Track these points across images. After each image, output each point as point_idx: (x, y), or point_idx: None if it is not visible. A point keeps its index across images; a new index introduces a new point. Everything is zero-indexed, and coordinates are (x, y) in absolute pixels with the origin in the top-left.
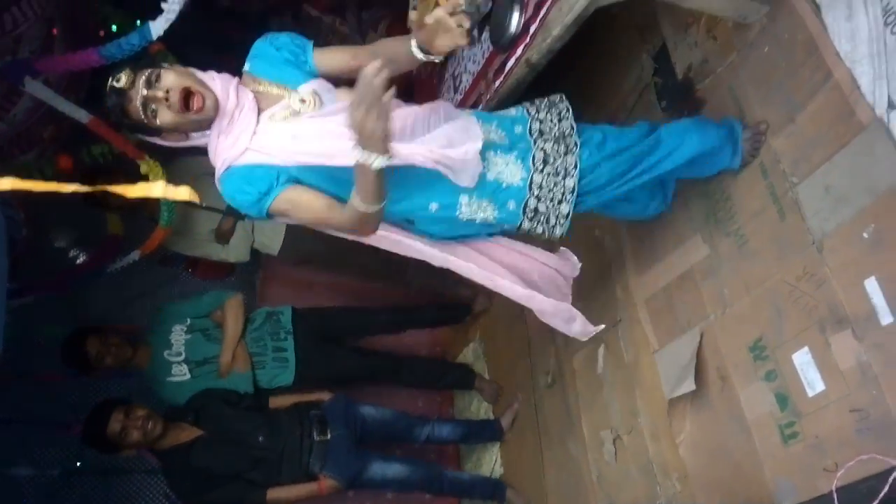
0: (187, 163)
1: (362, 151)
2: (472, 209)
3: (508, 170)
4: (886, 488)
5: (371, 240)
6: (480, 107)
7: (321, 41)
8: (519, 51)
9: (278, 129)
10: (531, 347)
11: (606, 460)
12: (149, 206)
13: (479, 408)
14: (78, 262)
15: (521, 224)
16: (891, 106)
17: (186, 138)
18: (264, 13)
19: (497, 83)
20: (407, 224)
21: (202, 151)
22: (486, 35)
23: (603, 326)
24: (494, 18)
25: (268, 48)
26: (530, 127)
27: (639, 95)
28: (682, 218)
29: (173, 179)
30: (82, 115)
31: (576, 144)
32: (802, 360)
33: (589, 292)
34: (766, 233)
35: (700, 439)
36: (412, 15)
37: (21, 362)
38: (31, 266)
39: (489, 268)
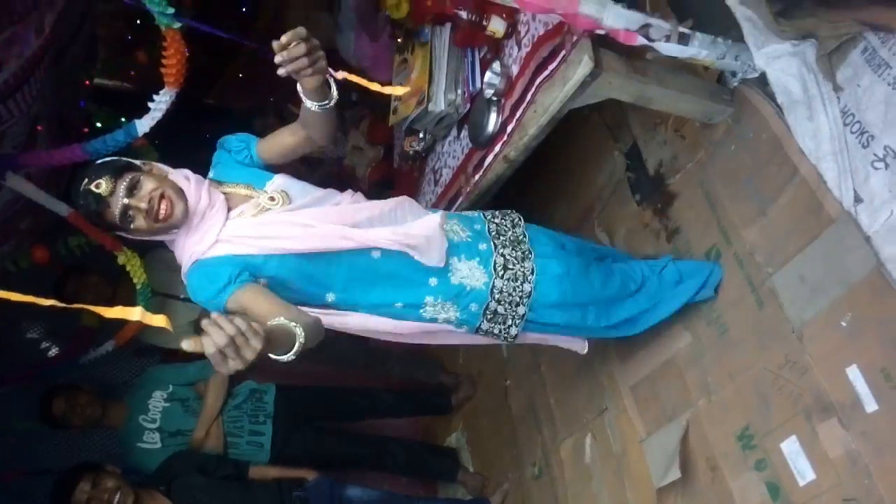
0: (163, 255)
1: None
2: (436, 310)
3: (472, 274)
4: None
5: (338, 325)
6: (460, 199)
7: None
8: (497, 148)
9: (247, 222)
10: (517, 436)
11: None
12: (123, 295)
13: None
14: (50, 354)
15: (479, 325)
16: (857, 200)
17: (153, 236)
18: (249, 112)
19: (476, 177)
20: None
21: None
22: (464, 133)
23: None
24: (472, 118)
25: (224, 155)
26: (488, 227)
27: (613, 189)
28: None
29: (149, 270)
30: (63, 209)
31: (530, 251)
32: (791, 448)
33: (574, 380)
34: (746, 321)
35: None
36: (392, 118)
37: None
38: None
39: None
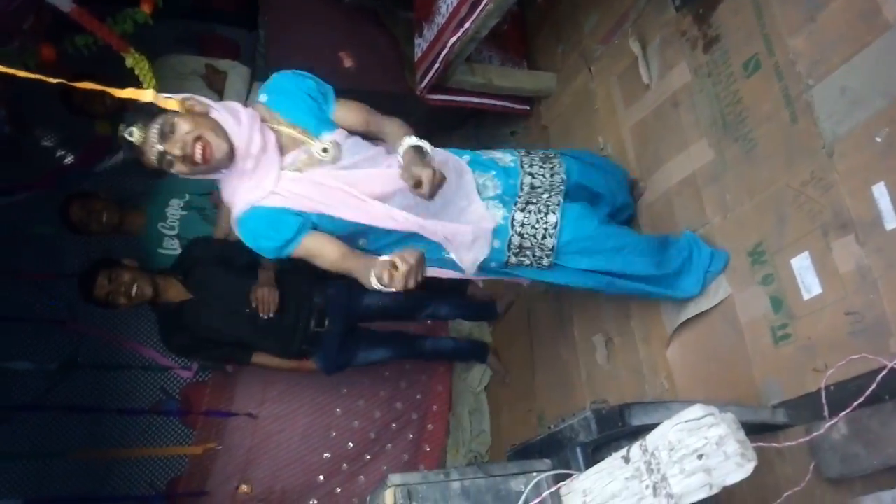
0: (172, 60)
1: (377, 280)
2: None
3: (490, 213)
4: (874, 385)
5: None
6: (484, 1)
7: None
8: None
9: (301, 177)
10: None
11: (598, 363)
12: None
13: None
14: (65, 161)
15: (507, 260)
16: None
17: (202, 176)
18: None
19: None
20: None
21: (188, 50)
22: None
23: None
24: None
25: (291, 85)
26: (521, 181)
27: None
28: (689, 121)
29: (158, 77)
30: (64, 4)
31: (562, 182)
32: (801, 264)
33: None
34: (777, 137)
35: (692, 341)
36: None
37: (12, 261)
38: (17, 165)
39: None
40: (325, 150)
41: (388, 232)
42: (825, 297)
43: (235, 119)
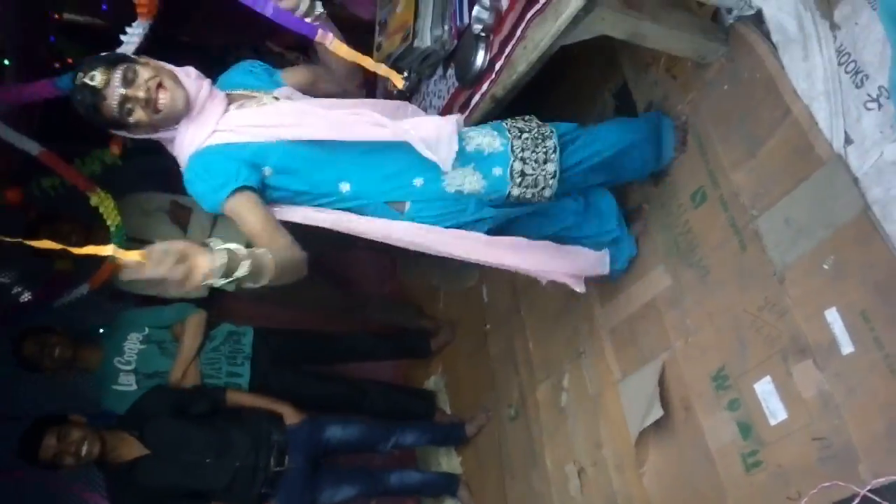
0: (137, 198)
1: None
2: (458, 179)
3: (486, 140)
4: None
5: (360, 231)
6: None
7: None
8: (484, 86)
9: (248, 111)
10: (495, 379)
11: (571, 494)
12: (98, 238)
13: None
14: (22, 299)
15: (510, 190)
16: (847, 141)
17: (154, 132)
18: (224, 48)
19: (463, 117)
20: (398, 211)
21: (153, 185)
22: (451, 71)
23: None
24: (460, 55)
25: (239, 70)
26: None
27: None
28: (646, 249)
29: (123, 216)
30: (33, 148)
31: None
32: (765, 389)
33: (553, 323)
34: (729, 264)
35: (664, 469)
36: (376, 55)
37: None
38: None
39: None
40: (275, 98)
41: (371, 164)
42: (791, 422)
43: (185, 73)
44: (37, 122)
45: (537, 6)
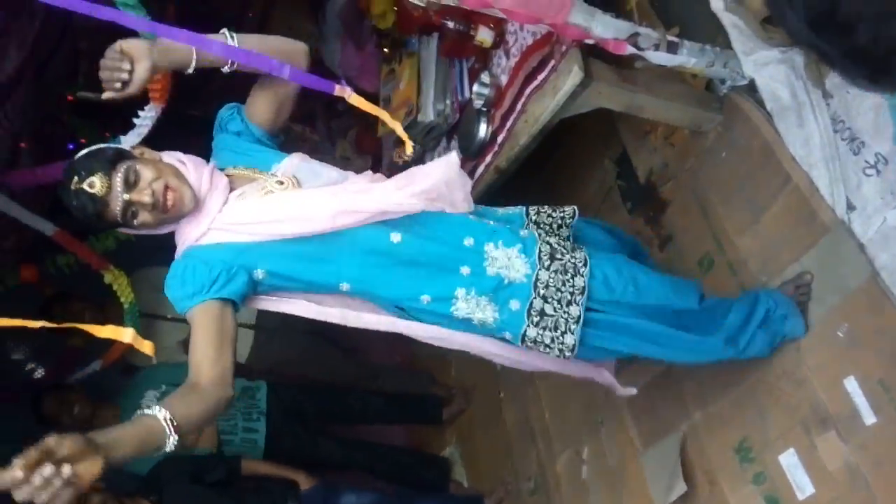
0: (149, 273)
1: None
2: (470, 306)
3: (511, 264)
4: None
5: (360, 323)
6: None
7: (289, 146)
8: (488, 158)
9: (247, 204)
10: (512, 450)
11: None
12: (112, 315)
13: None
14: (35, 375)
15: (525, 331)
16: (850, 207)
17: (157, 230)
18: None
19: None
20: (398, 311)
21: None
22: (454, 143)
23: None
24: (462, 129)
25: (222, 137)
26: (527, 214)
27: (604, 197)
28: None
29: (135, 290)
30: (47, 228)
31: (581, 247)
32: (789, 461)
33: (569, 391)
34: None
35: None
36: (381, 129)
37: None
38: None
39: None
40: (279, 182)
41: (373, 264)
42: (819, 496)
43: (180, 162)
44: (50, 202)
45: (535, 82)
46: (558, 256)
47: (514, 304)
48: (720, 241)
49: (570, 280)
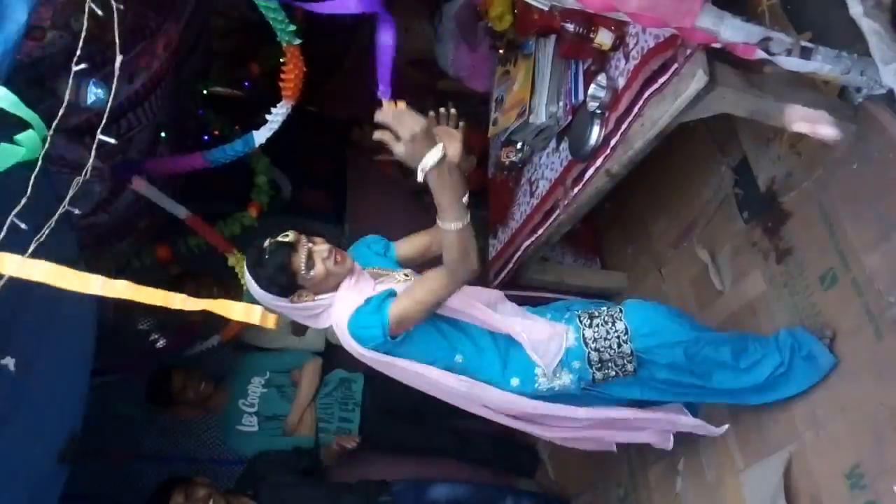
0: None
1: (421, 161)
2: (549, 379)
3: (565, 337)
4: None
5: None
6: (557, 211)
7: None
8: (599, 161)
9: (389, 286)
10: (603, 455)
11: None
12: (234, 295)
13: None
14: (157, 345)
15: (593, 375)
16: None
17: (313, 299)
18: (348, 122)
19: (575, 190)
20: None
21: None
22: (564, 145)
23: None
24: (574, 131)
25: (362, 249)
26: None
27: (719, 205)
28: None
29: None
30: (181, 212)
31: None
32: None
33: None
34: (863, 353)
35: None
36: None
37: (95, 440)
38: (113, 347)
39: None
40: (406, 275)
41: (481, 348)
42: None
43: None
44: (181, 187)
45: (655, 86)
46: (596, 314)
47: (576, 364)
48: (846, 257)
49: (612, 327)
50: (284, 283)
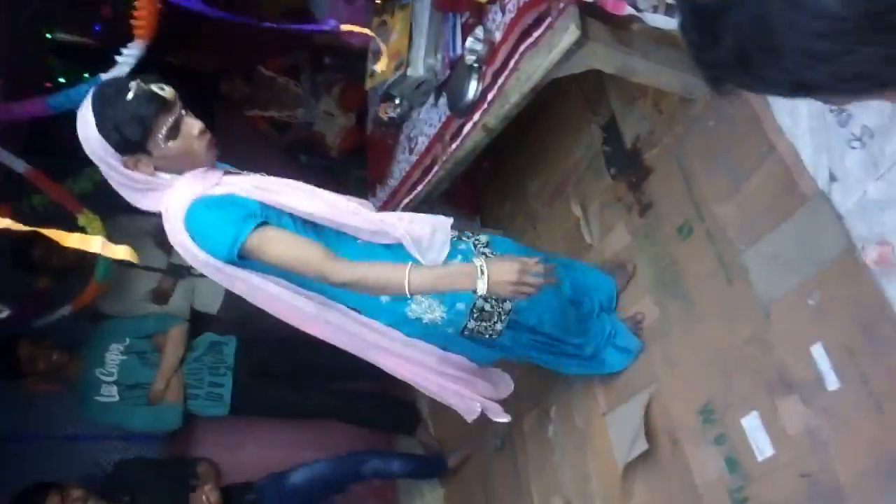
0: (124, 220)
1: (484, 284)
2: (422, 308)
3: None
4: None
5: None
6: (436, 168)
7: (274, 102)
8: (476, 116)
9: (247, 176)
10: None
11: None
12: (86, 259)
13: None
14: (1, 315)
15: (466, 324)
16: (832, 178)
17: (153, 173)
18: (215, 74)
19: (454, 146)
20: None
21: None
22: (443, 100)
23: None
24: (452, 85)
25: None
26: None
27: (589, 163)
28: (633, 280)
29: (109, 237)
30: (19, 166)
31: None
32: (751, 424)
33: None
34: (715, 297)
35: None
36: (369, 82)
37: None
38: None
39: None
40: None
41: (346, 240)
42: (778, 458)
43: None
44: (24, 140)
45: (531, 39)
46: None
47: (460, 306)
48: (700, 209)
49: None
50: (131, 137)
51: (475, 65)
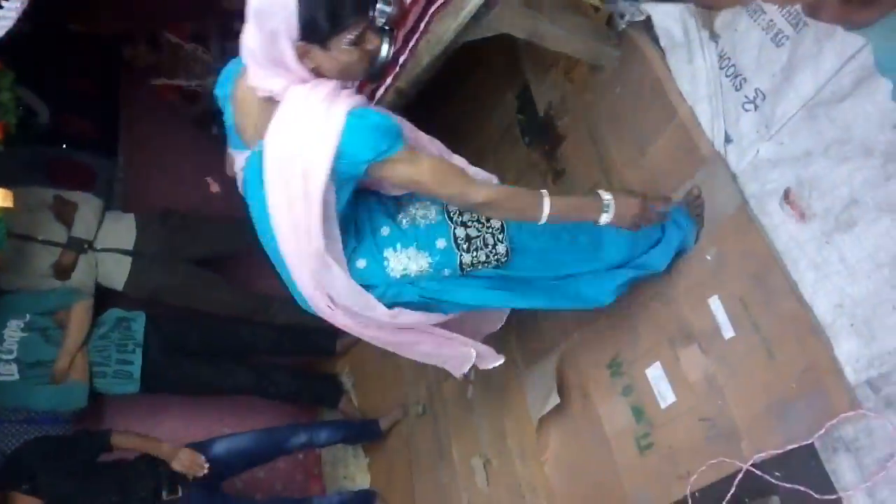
0: (23, 192)
1: (609, 216)
2: (402, 262)
3: (422, 212)
4: (733, 489)
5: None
6: None
7: (181, 70)
8: (389, 79)
9: None
10: (402, 377)
11: (478, 486)
12: None
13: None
14: None
15: (461, 259)
16: (727, 140)
17: (310, 68)
18: (116, 38)
19: None
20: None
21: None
22: None
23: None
24: None
25: None
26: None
27: (505, 131)
28: None
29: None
30: None
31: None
32: (655, 374)
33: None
34: None
35: (564, 456)
36: None
37: None
38: None
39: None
40: None
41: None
42: (679, 404)
43: None
44: None
45: (439, 1)
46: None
47: (441, 243)
48: (608, 173)
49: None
50: (322, 27)
51: (386, 27)
